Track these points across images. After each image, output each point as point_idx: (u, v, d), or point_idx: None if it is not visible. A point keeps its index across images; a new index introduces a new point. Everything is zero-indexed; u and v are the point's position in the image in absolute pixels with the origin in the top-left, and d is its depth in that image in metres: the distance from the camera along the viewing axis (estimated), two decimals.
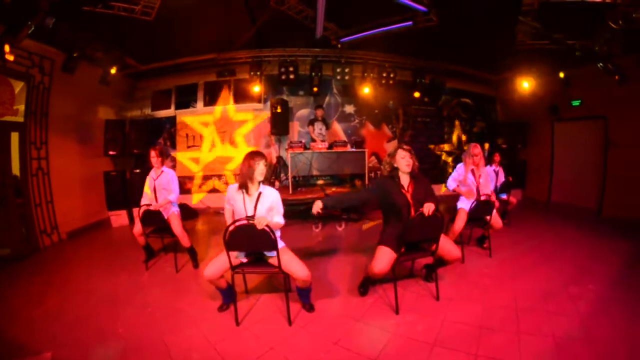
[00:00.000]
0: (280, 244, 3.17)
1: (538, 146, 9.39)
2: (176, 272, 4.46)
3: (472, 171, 4.78)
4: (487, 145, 9.13)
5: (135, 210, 5.26)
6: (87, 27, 5.50)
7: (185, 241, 4.55)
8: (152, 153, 4.58)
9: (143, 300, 3.68)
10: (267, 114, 8.44)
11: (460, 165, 4.89)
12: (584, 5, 4.77)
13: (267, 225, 2.92)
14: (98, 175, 7.10)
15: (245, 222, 2.96)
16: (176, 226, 4.49)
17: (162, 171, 4.62)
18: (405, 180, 3.53)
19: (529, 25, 5.29)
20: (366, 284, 3.80)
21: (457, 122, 10.26)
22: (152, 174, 4.65)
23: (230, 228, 2.93)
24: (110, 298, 3.73)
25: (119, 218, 7.14)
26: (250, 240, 3.00)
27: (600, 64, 6.55)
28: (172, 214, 4.54)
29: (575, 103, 8.13)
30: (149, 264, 4.68)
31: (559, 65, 7.55)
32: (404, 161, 3.48)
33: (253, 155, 3.10)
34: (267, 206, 3.15)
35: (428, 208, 3.19)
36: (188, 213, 7.43)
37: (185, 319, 3.29)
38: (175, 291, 3.92)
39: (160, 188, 4.55)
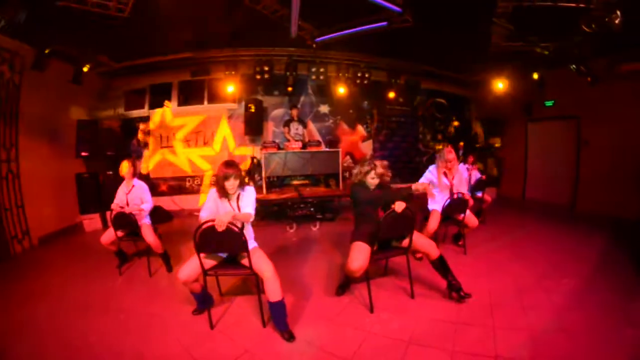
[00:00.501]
0: (252, 245, 3.14)
1: (512, 145, 9.62)
2: (149, 276, 4.38)
3: (445, 173, 4.81)
4: (461, 144, 9.25)
5: (109, 214, 5.08)
6: (59, 23, 5.29)
7: (158, 249, 4.46)
8: (125, 163, 4.48)
9: (116, 306, 3.59)
10: (241, 113, 8.35)
11: (433, 168, 4.89)
12: (557, 9, 4.86)
13: (235, 225, 2.88)
14: (70, 178, 6.88)
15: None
16: (148, 235, 4.39)
17: (134, 185, 4.54)
18: (373, 185, 3.62)
19: (503, 27, 5.36)
20: (345, 284, 3.80)
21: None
22: (124, 187, 4.55)
23: (200, 229, 2.88)
24: (83, 305, 3.61)
25: (92, 222, 6.93)
26: (222, 241, 2.95)
27: (573, 65, 6.76)
28: (144, 224, 4.45)
29: (549, 103, 8.36)
30: (122, 269, 4.56)
31: (533, 66, 7.71)
32: (373, 181, 3.58)
33: (225, 168, 3.08)
34: (246, 202, 3.18)
35: (399, 206, 3.25)
36: (162, 216, 7.27)
37: (159, 324, 3.22)
38: (149, 296, 3.84)
39: (132, 203, 4.46)
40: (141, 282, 4.23)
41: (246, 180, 3.58)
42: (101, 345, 2.88)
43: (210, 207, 3.20)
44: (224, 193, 3.13)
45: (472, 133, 10.04)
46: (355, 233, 3.56)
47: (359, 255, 3.34)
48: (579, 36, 5.19)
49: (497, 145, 9.86)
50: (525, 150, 9.29)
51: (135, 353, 2.76)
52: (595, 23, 4.71)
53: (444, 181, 4.76)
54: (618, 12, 4.42)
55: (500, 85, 8.71)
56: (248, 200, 3.19)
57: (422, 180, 4.82)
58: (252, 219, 3.15)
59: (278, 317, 3.01)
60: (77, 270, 4.68)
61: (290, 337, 2.93)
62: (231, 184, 3.07)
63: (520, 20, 5.31)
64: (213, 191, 3.23)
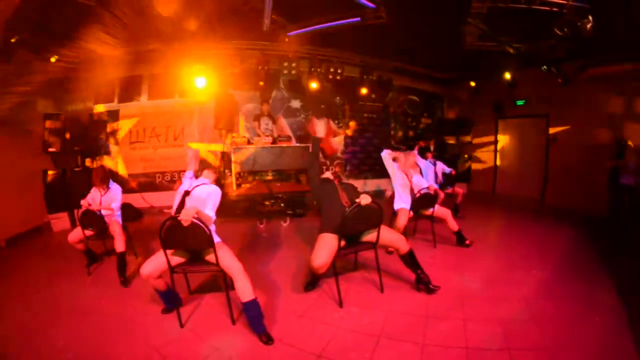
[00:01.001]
0: (216, 239, 3.07)
1: (483, 141, 9.90)
2: (117, 270, 4.22)
3: (405, 172, 4.91)
4: (432, 142, 9.45)
5: (77, 212, 4.83)
6: (26, 9, 5.05)
7: (120, 245, 4.25)
8: (100, 168, 4.40)
9: (85, 308, 3.47)
10: (212, 108, 8.26)
11: (395, 166, 4.95)
12: (531, 12, 4.97)
13: (198, 219, 2.83)
14: (36, 175, 6.58)
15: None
16: (115, 228, 4.28)
17: (109, 188, 4.45)
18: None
19: (478, 27, 5.44)
20: (314, 280, 3.80)
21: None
22: (99, 189, 4.43)
23: (166, 226, 2.82)
24: (51, 308, 3.48)
25: (60, 222, 6.64)
26: (187, 237, 2.89)
27: (545, 67, 6.96)
28: (114, 221, 4.34)
29: (520, 102, 8.65)
30: (91, 269, 4.42)
31: (505, 66, 7.89)
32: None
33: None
34: (199, 199, 3.10)
35: (364, 199, 3.27)
36: (132, 213, 7.09)
37: (129, 325, 3.13)
38: (118, 296, 3.74)
39: (107, 205, 4.35)
40: (110, 282, 4.09)
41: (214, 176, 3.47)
42: (70, 349, 2.78)
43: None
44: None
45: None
46: (323, 225, 3.54)
47: (323, 251, 3.32)
48: (551, 39, 5.31)
49: (467, 140, 10.07)
50: (495, 146, 9.57)
51: (105, 356, 2.68)
52: (568, 27, 4.85)
53: (405, 180, 4.85)
54: (590, 18, 4.56)
55: (472, 83, 9.05)
56: (211, 202, 3.13)
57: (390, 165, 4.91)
58: (212, 221, 3.07)
59: (253, 319, 2.91)
60: (44, 272, 4.50)
61: (268, 340, 2.82)
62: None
63: (495, 21, 5.40)
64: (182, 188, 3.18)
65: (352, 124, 9.69)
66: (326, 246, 3.35)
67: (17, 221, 6.07)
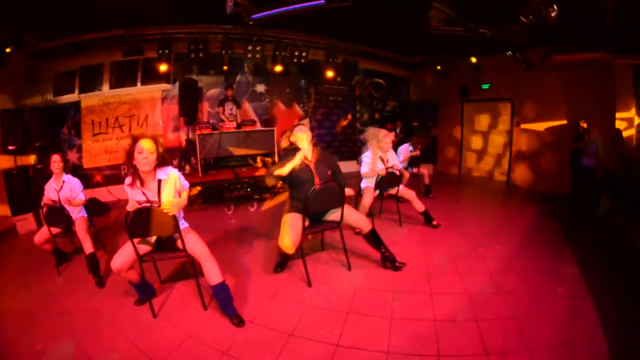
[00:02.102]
0: (183, 225, 3.09)
1: (449, 124, 10.12)
2: (88, 272, 4.11)
3: (380, 158, 4.97)
4: (399, 124, 9.57)
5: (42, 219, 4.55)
6: None
7: (87, 246, 4.12)
8: (56, 157, 4.17)
9: (58, 308, 3.40)
10: (176, 94, 8.11)
11: (368, 153, 4.97)
12: None
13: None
14: None
15: (148, 205, 2.83)
16: (80, 229, 4.15)
17: (64, 181, 4.24)
18: (307, 152, 3.58)
19: (443, 11, 5.48)
20: (282, 262, 3.87)
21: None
22: (53, 184, 4.23)
23: (131, 214, 2.80)
24: (24, 313, 3.36)
25: (25, 223, 6.26)
26: (152, 224, 2.89)
27: (510, 52, 7.13)
28: (79, 218, 4.22)
29: (485, 86, 8.83)
30: (60, 269, 4.30)
31: (471, 51, 8.09)
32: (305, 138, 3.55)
33: (133, 142, 2.86)
34: (173, 190, 3.02)
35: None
36: (99, 208, 6.92)
37: (103, 321, 3.11)
38: (90, 293, 3.69)
39: (65, 200, 4.16)
40: (81, 280, 4.02)
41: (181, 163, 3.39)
42: (47, 352, 2.71)
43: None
44: (140, 178, 2.92)
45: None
46: (290, 205, 3.59)
47: (290, 230, 3.39)
48: (517, 25, 5.40)
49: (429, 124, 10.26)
50: (461, 129, 9.79)
51: (82, 353, 2.66)
52: (533, 15, 4.95)
53: (380, 166, 4.90)
54: (555, 7, 4.65)
55: (438, 67, 9.21)
56: (182, 188, 3.13)
57: (364, 168, 4.93)
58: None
59: (223, 301, 2.97)
60: (13, 277, 4.32)
61: (240, 322, 2.88)
62: (142, 160, 2.81)
63: (461, 6, 5.45)
64: (126, 185, 3.01)
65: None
66: (292, 226, 3.41)
67: None
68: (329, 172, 3.70)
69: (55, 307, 3.44)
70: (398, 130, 9.17)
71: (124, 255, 2.94)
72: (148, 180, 2.97)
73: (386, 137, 4.96)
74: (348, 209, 3.65)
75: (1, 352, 2.78)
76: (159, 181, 3.00)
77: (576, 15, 5.34)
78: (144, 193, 2.97)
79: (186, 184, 3.21)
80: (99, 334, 2.92)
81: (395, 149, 5.76)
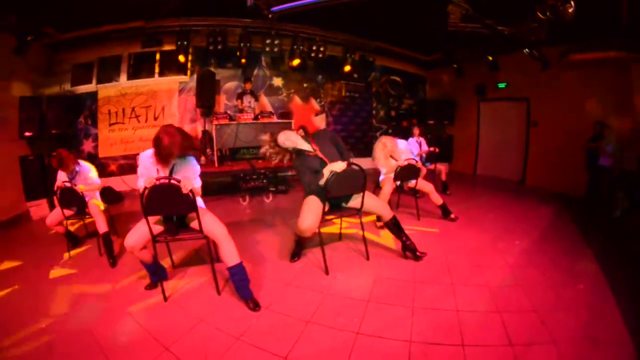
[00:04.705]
0: (200, 204, 3.01)
1: (464, 123, 9.91)
2: (99, 255, 4.12)
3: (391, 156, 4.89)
4: (415, 121, 9.43)
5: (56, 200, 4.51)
6: None
7: (101, 226, 4.08)
8: (65, 157, 4.05)
9: (67, 290, 3.34)
10: (193, 86, 8.11)
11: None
12: None
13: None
14: (13, 162, 6.24)
15: (165, 182, 2.75)
16: (93, 207, 4.11)
17: (77, 170, 4.18)
18: (306, 145, 3.47)
19: (461, 6, 5.40)
20: (298, 251, 3.80)
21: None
22: (63, 177, 4.15)
23: (147, 192, 2.71)
24: (33, 294, 3.31)
25: (39, 209, 6.30)
26: (169, 202, 2.81)
27: (527, 50, 7.02)
28: (93, 201, 4.17)
29: (502, 85, 8.66)
30: (71, 253, 4.23)
31: (488, 49, 7.99)
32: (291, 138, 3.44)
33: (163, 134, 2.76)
34: (185, 171, 2.99)
35: (339, 166, 3.24)
36: (113, 197, 6.90)
37: (112, 303, 3.05)
38: (100, 275, 3.61)
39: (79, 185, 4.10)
40: (92, 263, 3.97)
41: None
42: (54, 330, 2.66)
43: (145, 173, 2.93)
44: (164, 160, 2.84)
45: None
46: (308, 189, 3.50)
47: (310, 213, 3.30)
48: (534, 22, 5.35)
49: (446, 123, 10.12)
50: (477, 128, 9.60)
51: (90, 336, 2.57)
52: (550, 11, 4.89)
53: (392, 162, 4.85)
54: (572, 3, 4.59)
55: (454, 65, 9.16)
56: (193, 174, 3.06)
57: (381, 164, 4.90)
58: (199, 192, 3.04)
59: (239, 283, 2.87)
60: (24, 261, 4.21)
61: (255, 305, 2.80)
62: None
63: (478, 2, 5.40)
64: (145, 156, 2.96)
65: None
66: (312, 208, 3.32)
67: None
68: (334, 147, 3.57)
69: (64, 289, 3.37)
70: (414, 127, 9.01)
71: (138, 234, 2.87)
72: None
73: (387, 143, 4.86)
74: (369, 196, 3.57)
75: (5, 330, 2.72)
76: (174, 165, 2.97)
77: (592, 14, 5.25)
78: (158, 171, 2.91)
79: (198, 167, 3.14)
80: (106, 315, 2.85)
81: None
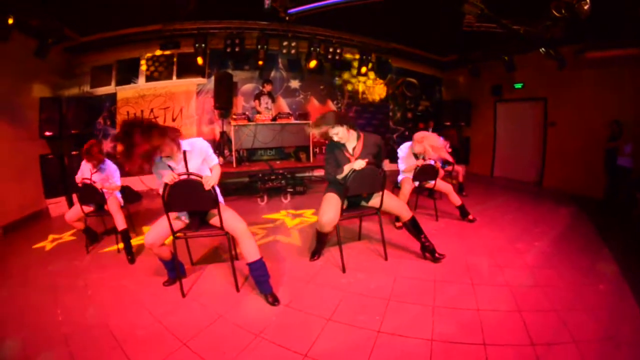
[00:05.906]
0: (221, 199, 3.00)
1: (481, 125, 9.78)
2: (117, 252, 4.15)
3: (414, 154, 4.84)
4: (432, 124, 9.37)
5: (75, 197, 4.49)
6: None
7: (120, 222, 4.09)
8: (95, 150, 4.09)
9: (84, 284, 3.37)
10: (211, 88, 8.19)
11: (402, 147, 4.92)
12: None
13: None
14: (33, 160, 6.41)
15: (185, 177, 2.75)
16: (113, 206, 4.12)
17: (101, 167, 4.25)
18: (351, 145, 3.43)
19: (477, 6, 5.36)
20: (318, 250, 3.77)
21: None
22: (87, 170, 4.21)
23: (168, 188, 2.71)
24: (50, 288, 3.33)
25: (57, 206, 6.48)
26: (191, 198, 2.80)
27: (543, 49, 6.91)
28: (112, 198, 4.18)
29: (518, 86, 8.53)
30: (90, 248, 4.29)
31: (504, 49, 7.89)
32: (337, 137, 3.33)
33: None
34: (199, 160, 2.98)
35: (358, 164, 3.19)
36: (132, 196, 6.98)
37: (129, 297, 3.06)
38: (117, 271, 3.65)
39: (100, 183, 4.12)
40: (109, 259, 4.02)
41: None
42: (69, 321, 2.69)
43: (163, 172, 2.87)
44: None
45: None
46: (329, 187, 3.49)
47: (330, 208, 3.29)
48: (549, 20, 5.31)
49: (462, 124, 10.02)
50: (494, 129, 9.46)
51: (104, 326, 2.59)
52: (565, 8, 4.86)
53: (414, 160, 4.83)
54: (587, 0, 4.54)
55: (470, 66, 9.03)
56: (208, 157, 3.07)
57: (401, 164, 4.91)
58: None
59: (260, 278, 2.86)
60: (42, 255, 4.32)
61: (275, 300, 2.80)
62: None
63: (493, 1, 5.34)
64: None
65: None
66: (332, 203, 3.32)
67: (15, 207, 5.82)
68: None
69: (81, 282, 3.41)
70: (430, 130, 8.93)
71: (158, 230, 2.87)
72: (175, 154, 2.90)
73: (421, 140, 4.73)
74: (388, 195, 3.52)
75: (24, 321, 2.75)
76: (185, 152, 2.92)
77: (609, 11, 5.20)
78: (170, 167, 2.89)
79: (216, 158, 3.14)
80: (123, 309, 2.87)
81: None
